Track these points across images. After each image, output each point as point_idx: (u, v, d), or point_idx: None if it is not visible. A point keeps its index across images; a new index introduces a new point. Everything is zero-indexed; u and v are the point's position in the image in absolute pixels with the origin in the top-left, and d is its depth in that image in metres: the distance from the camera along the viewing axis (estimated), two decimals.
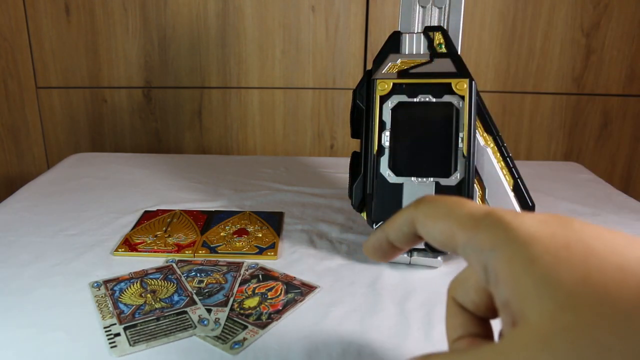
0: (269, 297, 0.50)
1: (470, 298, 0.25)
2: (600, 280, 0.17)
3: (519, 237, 0.19)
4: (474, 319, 0.25)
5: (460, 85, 0.53)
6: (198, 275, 0.54)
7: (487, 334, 0.26)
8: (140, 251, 0.60)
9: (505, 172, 0.53)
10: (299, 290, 0.52)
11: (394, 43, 0.57)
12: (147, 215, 0.70)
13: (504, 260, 0.19)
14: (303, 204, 0.76)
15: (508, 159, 0.53)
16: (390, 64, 0.56)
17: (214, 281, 0.53)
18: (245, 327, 0.45)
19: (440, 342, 0.43)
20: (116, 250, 0.60)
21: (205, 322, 0.46)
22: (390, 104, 0.55)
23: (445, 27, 0.57)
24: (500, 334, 0.25)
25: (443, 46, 0.56)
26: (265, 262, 0.58)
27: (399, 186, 0.54)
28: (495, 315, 0.25)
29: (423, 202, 0.25)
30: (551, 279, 0.18)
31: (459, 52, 0.56)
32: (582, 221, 0.20)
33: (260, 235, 0.64)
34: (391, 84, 0.55)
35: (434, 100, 0.54)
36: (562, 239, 0.19)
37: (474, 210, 0.22)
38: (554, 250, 0.18)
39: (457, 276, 0.26)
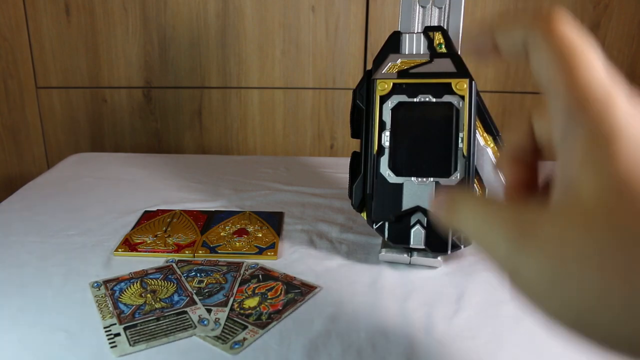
0: (269, 297, 0.50)
1: (543, 129, 0.24)
2: None
3: (608, 126, 0.19)
4: (533, 142, 0.25)
5: (460, 85, 0.53)
6: (198, 275, 0.54)
7: (533, 171, 0.25)
8: (140, 251, 0.60)
9: None
10: (299, 290, 0.52)
11: (394, 43, 0.57)
12: (147, 215, 0.70)
13: (585, 140, 0.19)
14: (303, 204, 0.76)
15: None
16: (390, 64, 0.56)
17: (214, 281, 0.53)
18: (245, 327, 0.45)
19: (440, 342, 0.43)
20: (116, 250, 0.60)
21: (205, 322, 0.46)
22: (390, 104, 0.55)
23: (445, 27, 0.57)
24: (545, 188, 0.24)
25: (443, 46, 0.56)
26: (265, 262, 0.58)
27: (399, 186, 0.54)
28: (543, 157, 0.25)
29: (541, 21, 0.22)
30: (620, 175, 0.17)
31: (459, 52, 0.56)
32: None
33: (260, 235, 0.64)
34: (391, 84, 0.55)
35: (434, 100, 0.54)
36: None
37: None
38: (635, 147, 0.18)
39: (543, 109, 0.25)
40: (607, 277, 0.16)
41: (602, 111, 0.19)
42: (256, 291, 0.51)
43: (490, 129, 0.54)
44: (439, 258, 0.55)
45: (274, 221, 0.68)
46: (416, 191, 0.54)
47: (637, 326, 0.15)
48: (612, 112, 0.19)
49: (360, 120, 0.57)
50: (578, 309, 0.16)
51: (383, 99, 0.55)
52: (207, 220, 0.69)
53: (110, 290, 0.51)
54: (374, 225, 0.55)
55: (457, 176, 0.53)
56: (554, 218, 0.18)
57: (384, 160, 0.55)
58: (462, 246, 0.53)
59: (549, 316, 0.18)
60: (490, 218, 0.20)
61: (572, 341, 0.18)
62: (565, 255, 0.16)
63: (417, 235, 0.54)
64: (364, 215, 0.57)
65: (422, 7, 0.58)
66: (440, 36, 0.56)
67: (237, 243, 0.62)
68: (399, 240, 0.55)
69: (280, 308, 0.48)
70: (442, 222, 0.23)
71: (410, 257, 0.56)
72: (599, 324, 0.16)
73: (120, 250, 0.60)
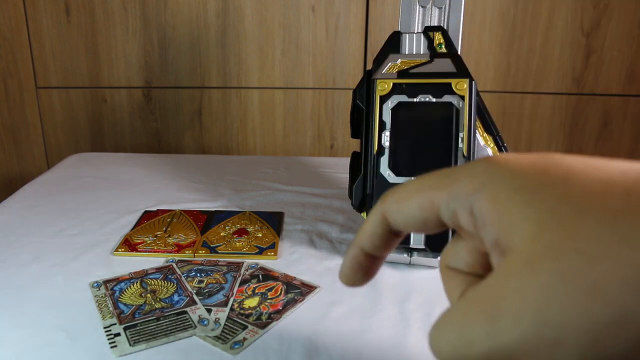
0: (269, 297, 0.50)
1: (463, 260, 0.24)
2: (582, 194, 0.17)
3: (501, 173, 0.19)
4: (471, 277, 0.24)
5: (460, 85, 0.53)
6: (198, 275, 0.54)
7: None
8: (140, 251, 0.60)
9: None
10: (299, 290, 0.52)
11: (394, 43, 0.57)
12: (147, 215, 0.70)
13: (489, 198, 0.19)
14: (303, 204, 0.76)
15: None
16: (390, 64, 0.56)
17: (214, 281, 0.53)
18: (245, 327, 0.45)
19: None
20: (116, 250, 0.60)
21: (205, 322, 0.46)
22: (390, 104, 0.55)
23: (445, 27, 0.57)
24: None
25: (443, 46, 0.56)
26: (265, 262, 0.58)
27: None
28: (489, 270, 0.24)
29: (388, 194, 0.23)
30: (533, 202, 0.17)
31: (459, 52, 0.56)
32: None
33: (260, 235, 0.64)
34: (391, 84, 0.55)
35: (434, 100, 0.54)
36: (542, 166, 0.19)
37: (444, 171, 0.21)
38: (534, 175, 0.18)
39: (446, 247, 0.25)
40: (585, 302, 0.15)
41: (482, 168, 0.20)
42: (256, 291, 0.51)
43: (490, 129, 0.54)
44: (439, 258, 0.55)
45: (274, 221, 0.68)
46: None
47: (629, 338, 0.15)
48: (493, 162, 0.20)
49: (360, 120, 0.57)
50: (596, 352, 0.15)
51: (383, 99, 0.55)
52: (207, 220, 0.69)
53: (110, 290, 0.51)
54: None
55: None
56: (508, 283, 0.17)
57: (384, 160, 0.55)
58: None
59: None
60: (456, 325, 0.19)
61: None
62: (540, 312, 0.16)
63: (417, 235, 0.54)
64: (364, 215, 0.57)
65: (422, 7, 0.58)
66: (440, 36, 0.56)
67: (237, 243, 0.62)
68: None
69: (280, 308, 0.48)
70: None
71: (410, 257, 0.56)
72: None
73: (120, 250, 0.60)
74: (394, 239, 0.24)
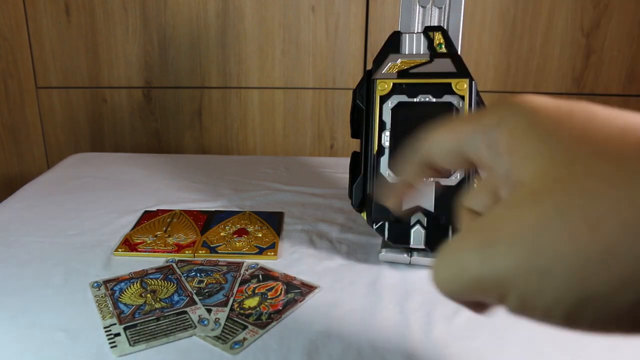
0: (269, 297, 0.50)
1: (482, 202, 0.24)
2: (599, 137, 0.17)
3: (524, 109, 0.20)
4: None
5: (460, 85, 0.53)
6: (198, 275, 0.54)
7: None
8: (140, 251, 0.60)
9: None
10: (299, 290, 0.52)
11: (394, 43, 0.57)
12: (147, 215, 0.70)
13: (508, 131, 0.19)
14: (303, 204, 0.76)
15: None
16: (390, 64, 0.56)
17: (214, 281, 0.53)
18: (245, 327, 0.45)
19: (440, 342, 0.44)
20: (116, 250, 0.60)
21: (205, 322, 0.46)
22: (390, 104, 0.55)
23: (445, 27, 0.57)
24: None
25: (443, 46, 0.56)
26: (265, 262, 0.58)
27: None
28: None
29: (431, 131, 0.25)
30: (550, 138, 0.18)
31: (459, 52, 0.56)
32: None
33: (260, 235, 0.64)
34: (391, 84, 0.55)
35: (434, 100, 0.54)
36: (566, 108, 0.19)
37: (476, 110, 0.23)
38: (557, 116, 0.19)
39: (470, 190, 0.26)
40: (581, 240, 0.15)
41: (507, 103, 0.20)
42: (256, 291, 0.51)
43: None
44: None
45: (274, 221, 0.68)
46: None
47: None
48: (520, 99, 0.20)
49: (360, 120, 0.57)
50: (577, 292, 0.15)
51: (383, 99, 0.55)
52: (207, 220, 0.69)
53: (110, 290, 0.51)
54: (374, 225, 0.55)
55: (457, 176, 0.53)
56: (509, 212, 0.18)
57: (384, 160, 0.55)
58: None
59: (542, 315, 0.17)
60: (453, 251, 0.20)
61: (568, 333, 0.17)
62: (535, 241, 0.16)
63: (417, 235, 0.54)
64: (364, 215, 0.57)
65: (422, 7, 0.58)
66: (440, 36, 0.56)
67: (237, 243, 0.62)
68: (399, 240, 0.55)
69: (280, 308, 0.48)
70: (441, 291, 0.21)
71: (410, 257, 0.56)
72: (596, 296, 0.15)
73: (120, 250, 0.60)
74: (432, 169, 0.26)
